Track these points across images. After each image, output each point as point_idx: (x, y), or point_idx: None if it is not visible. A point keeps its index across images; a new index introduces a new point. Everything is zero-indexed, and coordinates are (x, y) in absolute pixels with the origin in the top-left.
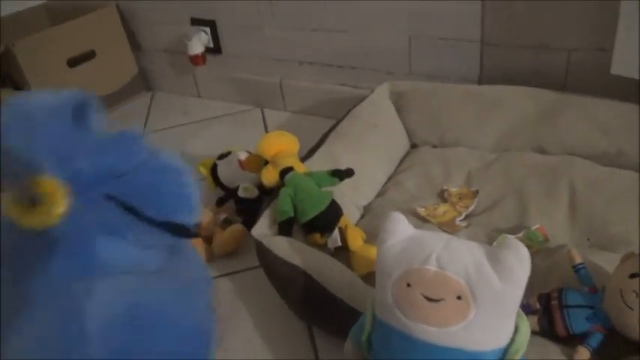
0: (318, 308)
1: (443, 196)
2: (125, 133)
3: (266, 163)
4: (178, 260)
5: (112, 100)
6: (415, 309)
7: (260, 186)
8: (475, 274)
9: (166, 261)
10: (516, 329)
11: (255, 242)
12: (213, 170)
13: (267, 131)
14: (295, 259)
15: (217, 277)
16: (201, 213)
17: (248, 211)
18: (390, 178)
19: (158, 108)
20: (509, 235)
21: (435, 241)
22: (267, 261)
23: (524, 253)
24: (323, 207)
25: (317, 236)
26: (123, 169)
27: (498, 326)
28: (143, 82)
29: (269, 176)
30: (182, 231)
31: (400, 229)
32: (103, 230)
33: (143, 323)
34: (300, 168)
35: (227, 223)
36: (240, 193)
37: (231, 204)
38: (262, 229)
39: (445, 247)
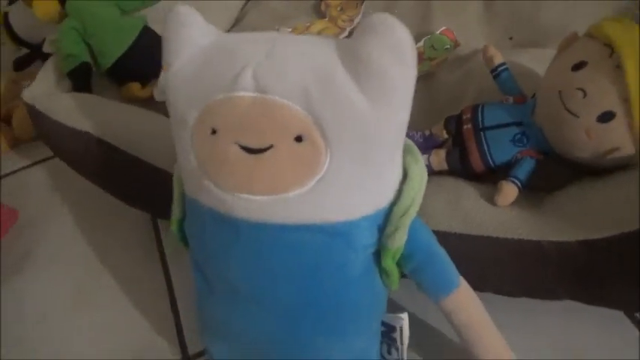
0: (138, 187)
1: (320, 10)
2: None
3: None
4: None
5: None
6: (229, 170)
7: None
8: (322, 93)
9: None
10: (404, 177)
11: (26, 107)
12: (6, 22)
13: None
14: (84, 124)
15: (25, 167)
16: None
17: None
18: None
19: None
20: None
21: (252, 46)
22: (47, 132)
23: (401, 36)
24: (129, 41)
25: (134, 87)
26: None
27: (371, 177)
28: None
29: (43, 7)
30: None
31: (190, 35)
32: None
33: None
34: None
35: None
36: (47, 49)
37: (39, 65)
38: (41, 87)
39: (269, 54)
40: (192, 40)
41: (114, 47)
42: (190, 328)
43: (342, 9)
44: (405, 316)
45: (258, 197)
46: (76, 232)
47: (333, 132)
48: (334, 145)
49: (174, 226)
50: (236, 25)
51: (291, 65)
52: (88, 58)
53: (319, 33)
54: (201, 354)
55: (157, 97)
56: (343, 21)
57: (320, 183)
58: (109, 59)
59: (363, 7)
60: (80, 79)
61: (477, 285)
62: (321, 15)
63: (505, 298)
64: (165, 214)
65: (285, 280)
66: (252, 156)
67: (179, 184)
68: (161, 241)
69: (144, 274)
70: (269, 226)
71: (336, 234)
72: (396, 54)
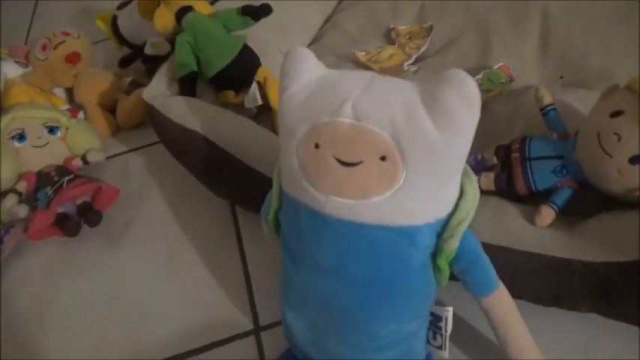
0: (230, 181)
1: (390, 37)
2: None
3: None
4: None
5: None
6: (326, 177)
7: (173, 40)
8: (404, 124)
9: None
10: (461, 193)
11: (146, 105)
12: (114, 24)
13: None
14: (194, 124)
15: (125, 152)
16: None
17: None
18: (327, 20)
19: None
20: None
21: (352, 82)
22: (161, 127)
23: (470, 89)
24: (232, 56)
25: (230, 94)
26: None
27: (436, 192)
28: None
29: (162, 20)
30: None
31: (305, 69)
32: None
33: None
34: (204, 7)
35: (135, 86)
36: (148, 50)
37: (140, 64)
38: (157, 89)
39: (365, 89)
40: (306, 72)
41: (218, 60)
42: (261, 302)
43: (410, 37)
44: (450, 309)
45: (346, 200)
46: (167, 211)
47: (410, 155)
48: (410, 165)
49: (270, 215)
50: (313, 43)
51: (383, 100)
52: (196, 68)
53: (389, 57)
54: (270, 326)
55: (247, 104)
56: (411, 48)
57: (395, 193)
58: (213, 70)
59: (429, 37)
60: (188, 84)
61: (513, 291)
62: (390, 41)
63: (538, 306)
64: (248, 204)
65: (361, 263)
66: (346, 168)
67: (278, 180)
68: (238, 223)
69: (222, 252)
70: (353, 223)
71: (403, 234)
72: (464, 101)
